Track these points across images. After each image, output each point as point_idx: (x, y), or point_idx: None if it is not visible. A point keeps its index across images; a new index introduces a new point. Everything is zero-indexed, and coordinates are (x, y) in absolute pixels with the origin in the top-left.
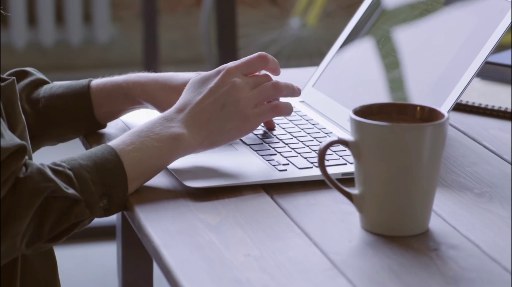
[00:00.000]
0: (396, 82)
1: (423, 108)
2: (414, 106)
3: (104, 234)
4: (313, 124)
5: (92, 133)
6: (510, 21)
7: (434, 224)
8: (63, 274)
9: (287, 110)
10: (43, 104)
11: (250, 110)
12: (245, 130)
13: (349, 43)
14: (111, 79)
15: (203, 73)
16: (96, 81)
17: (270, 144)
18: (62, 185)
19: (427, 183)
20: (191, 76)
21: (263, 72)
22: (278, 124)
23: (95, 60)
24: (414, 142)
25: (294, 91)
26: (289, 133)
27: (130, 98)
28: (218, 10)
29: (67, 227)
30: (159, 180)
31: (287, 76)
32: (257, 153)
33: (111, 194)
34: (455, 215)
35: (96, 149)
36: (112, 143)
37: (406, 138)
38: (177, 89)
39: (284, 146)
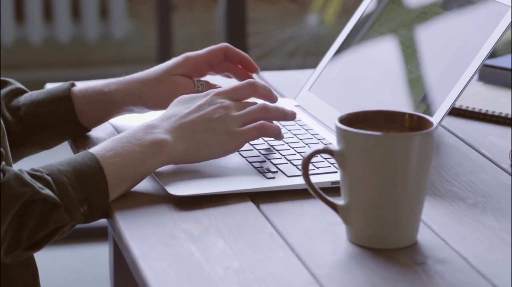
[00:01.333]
0: (392, 86)
1: (411, 116)
2: (403, 114)
3: (96, 235)
4: (307, 130)
5: (76, 138)
6: (507, 25)
7: (423, 236)
8: (54, 276)
9: (274, 131)
10: (24, 111)
11: (236, 128)
12: (229, 147)
13: (346, 46)
14: (92, 86)
15: (191, 95)
16: (78, 88)
17: (260, 150)
18: (39, 187)
19: (414, 194)
20: (171, 64)
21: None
22: None
23: (111, 56)
24: (401, 152)
25: (285, 115)
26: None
27: (113, 103)
28: (228, 7)
29: (46, 234)
30: (143, 186)
31: (288, 78)
32: (246, 159)
33: (92, 200)
34: (446, 226)
35: (76, 156)
36: (92, 150)
37: (393, 147)
38: (161, 80)
39: (275, 153)
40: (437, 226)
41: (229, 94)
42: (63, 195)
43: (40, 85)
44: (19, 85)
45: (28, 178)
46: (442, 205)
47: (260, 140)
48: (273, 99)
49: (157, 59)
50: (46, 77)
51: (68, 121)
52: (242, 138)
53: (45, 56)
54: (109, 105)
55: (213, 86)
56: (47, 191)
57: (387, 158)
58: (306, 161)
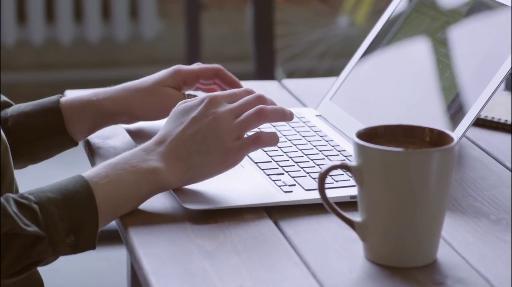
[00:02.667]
0: (415, 97)
1: (431, 130)
2: (422, 129)
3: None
4: (327, 141)
5: (64, 150)
6: None
7: (443, 254)
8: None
9: (270, 140)
10: (12, 122)
11: (232, 143)
12: (226, 165)
13: (369, 54)
14: (80, 95)
15: (186, 103)
16: (66, 98)
17: (279, 162)
18: (22, 222)
19: (434, 211)
20: (161, 75)
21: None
22: (290, 140)
23: (141, 56)
24: (420, 168)
25: (284, 116)
26: (300, 150)
27: (101, 112)
28: (256, 8)
29: (28, 264)
30: (158, 199)
31: (311, 86)
32: (264, 172)
33: (80, 231)
34: (467, 244)
35: (68, 181)
36: (86, 175)
37: (411, 164)
38: (151, 90)
39: (293, 165)
40: (458, 244)
41: (226, 99)
42: (49, 226)
43: (70, 86)
44: (4, 98)
45: (11, 209)
46: (464, 221)
47: (279, 151)
48: (269, 105)
49: (186, 59)
50: (75, 77)
51: (57, 132)
52: (239, 153)
53: (75, 56)
54: (97, 114)
55: None
56: (31, 228)
57: (405, 174)
58: (322, 177)
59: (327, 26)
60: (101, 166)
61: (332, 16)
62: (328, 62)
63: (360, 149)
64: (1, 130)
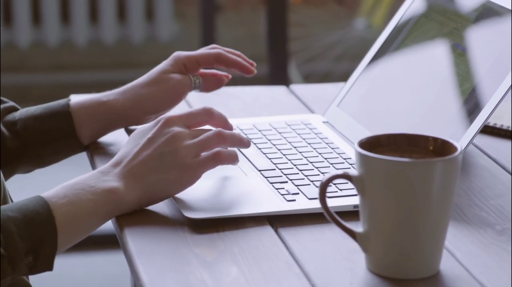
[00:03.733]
0: (422, 104)
1: (435, 139)
2: (426, 138)
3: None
4: (333, 148)
5: (72, 155)
6: None
7: (446, 265)
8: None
9: (230, 157)
10: (21, 125)
11: (190, 159)
12: (186, 181)
13: (377, 60)
14: (89, 97)
15: (143, 126)
16: (75, 101)
17: (283, 170)
18: None
19: (437, 222)
20: (162, 65)
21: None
22: (295, 147)
23: (157, 57)
24: (422, 178)
25: (241, 142)
26: (305, 157)
27: (112, 111)
28: (270, 11)
29: None
30: (158, 207)
31: (319, 92)
32: (267, 180)
33: (38, 251)
34: (471, 255)
35: (27, 201)
36: (45, 195)
37: (414, 174)
38: (156, 80)
39: (298, 173)
40: (462, 255)
41: (182, 120)
42: (9, 245)
43: (85, 87)
44: (12, 103)
45: None
46: (468, 231)
47: (283, 159)
48: (229, 128)
49: None
50: (91, 78)
51: (66, 136)
52: (198, 170)
53: (90, 58)
54: (108, 114)
55: (211, 81)
56: None
57: (407, 185)
58: (323, 186)
59: (344, 29)
60: (59, 187)
61: (349, 18)
62: (345, 65)
63: (361, 158)
64: None
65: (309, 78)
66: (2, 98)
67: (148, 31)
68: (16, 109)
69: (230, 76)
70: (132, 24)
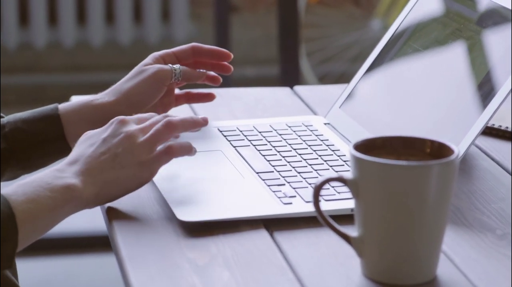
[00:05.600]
0: (424, 106)
1: (432, 142)
2: (423, 140)
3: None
4: (333, 151)
5: (60, 158)
6: None
7: (443, 270)
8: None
9: (182, 149)
10: (9, 128)
11: (145, 156)
12: (142, 179)
13: (380, 62)
14: (78, 99)
15: (95, 130)
16: (63, 104)
17: (281, 173)
18: None
19: (433, 227)
20: (143, 62)
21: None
22: (295, 149)
23: None
24: (418, 182)
25: (194, 123)
26: (305, 160)
27: (100, 109)
28: (281, 12)
29: None
30: (152, 210)
31: (323, 93)
32: (265, 182)
33: None
34: (469, 260)
35: None
36: (4, 193)
37: (409, 177)
38: (137, 72)
39: (296, 175)
40: (460, 260)
41: (134, 120)
42: None
43: (101, 88)
44: None
45: None
46: (468, 235)
47: (282, 161)
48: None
49: None
50: (107, 79)
51: (55, 138)
52: (153, 166)
53: (106, 59)
54: (95, 113)
55: (192, 71)
56: None
57: (402, 188)
58: (317, 189)
59: (360, 30)
60: (16, 185)
61: (365, 19)
62: (361, 66)
63: (356, 161)
64: None
65: (324, 79)
66: None
67: (164, 32)
68: (1, 117)
69: (212, 74)
70: (148, 25)
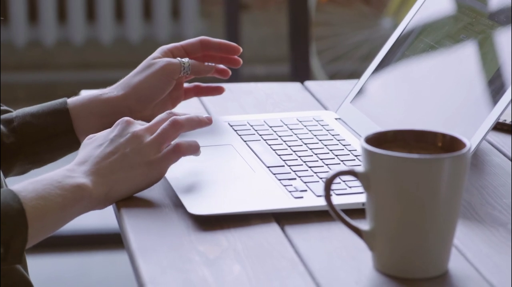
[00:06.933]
0: (436, 101)
1: (444, 135)
2: (434, 134)
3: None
4: (344, 145)
5: (68, 153)
6: None
7: (455, 264)
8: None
9: (190, 148)
10: (18, 122)
11: (153, 155)
12: (152, 178)
13: (391, 57)
14: (87, 94)
15: (100, 132)
16: (72, 98)
17: (292, 167)
18: None
19: (445, 220)
20: (152, 55)
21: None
22: (306, 143)
23: None
24: (429, 175)
25: (200, 123)
26: (316, 154)
27: (108, 102)
28: (291, 9)
29: None
30: (163, 203)
31: (333, 88)
32: (276, 176)
33: (9, 243)
34: (481, 255)
35: None
36: (14, 189)
37: (420, 171)
38: (145, 66)
39: (307, 169)
40: (472, 254)
41: (139, 121)
42: None
43: (110, 85)
44: (6, 107)
45: None
46: (479, 230)
47: (293, 155)
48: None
49: None
50: (116, 77)
51: (64, 132)
52: (162, 165)
53: (116, 56)
54: (103, 107)
55: (201, 65)
56: None
57: (414, 181)
58: (328, 183)
59: (370, 28)
60: (27, 182)
61: (375, 18)
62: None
63: (367, 154)
64: None
65: (334, 77)
66: None
67: (174, 30)
68: (7, 112)
69: (221, 67)
70: (157, 23)
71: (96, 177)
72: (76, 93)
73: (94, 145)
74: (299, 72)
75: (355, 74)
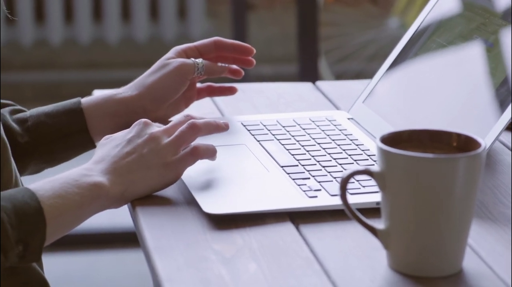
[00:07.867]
0: (448, 102)
1: (459, 135)
2: (449, 134)
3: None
4: (357, 145)
5: (83, 152)
6: None
7: (469, 263)
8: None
9: (207, 152)
10: (32, 122)
11: (170, 157)
12: (168, 179)
13: (404, 57)
14: (101, 93)
15: (116, 133)
16: (86, 98)
17: (306, 167)
18: None
19: (459, 219)
20: (165, 56)
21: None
22: (319, 143)
23: None
24: (444, 175)
25: (218, 128)
26: (329, 154)
27: (123, 102)
28: (299, 9)
29: None
30: (178, 203)
31: (345, 89)
32: (290, 176)
33: (28, 242)
34: (495, 253)
35: (14, 191)
36: (31, 187)
37: (436, 170)
38: (159, 66)
39: (320, 169)
40: (486, 253)
41: (157, 124)
42: (0, 233)
43: (117, 85)
44: (20, 107)
45: None
46: (493, 229)
47: (307, 155)
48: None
49: None
50: (123, 76)
51: (78, 132)
52: (179, 167)
53: (122, 56)
54: (118, 107)
55: (214, 65)
56: None
57: (429, 181)
58: (344, 182)
59: (377, 28)
60: (44, 181)
61: (382, 18)
62: (378, 65)
63: (383, 154)
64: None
65: (341, 77)
66: (8, 102)
67: (180, 30)
68: (7, 105)
69: (234, 67)
70: (164, 22)
71: (113, 176)
72: (83, 92)
73: (111, 145)
74: (308, 72)
75: (362, 74)
